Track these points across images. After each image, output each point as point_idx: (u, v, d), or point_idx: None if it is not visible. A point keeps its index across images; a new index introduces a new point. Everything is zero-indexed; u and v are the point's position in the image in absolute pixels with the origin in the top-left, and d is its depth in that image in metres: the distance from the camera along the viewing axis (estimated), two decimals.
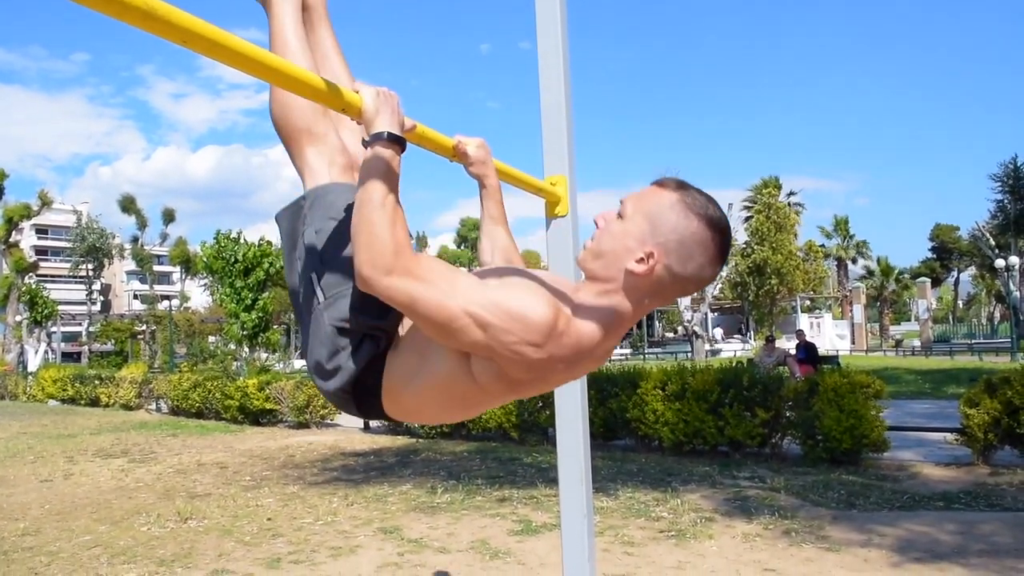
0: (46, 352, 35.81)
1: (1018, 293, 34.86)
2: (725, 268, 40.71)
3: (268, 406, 14.12)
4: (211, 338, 36.48)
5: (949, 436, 8.52)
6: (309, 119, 1.74)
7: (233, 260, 18.50)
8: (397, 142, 1.42)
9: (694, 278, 1.38)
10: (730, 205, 41.43)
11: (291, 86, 1.32)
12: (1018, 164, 36.64)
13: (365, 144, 1.43)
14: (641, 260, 1.34)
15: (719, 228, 1.36)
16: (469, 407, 1.53)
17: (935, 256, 62.23)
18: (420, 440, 11.32)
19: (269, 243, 19.42)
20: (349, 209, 1.55)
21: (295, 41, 1.83)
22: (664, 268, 1.35)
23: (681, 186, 1.38)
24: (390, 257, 1.31)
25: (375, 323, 1.54)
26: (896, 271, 54.12)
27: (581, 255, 1.43)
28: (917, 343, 41.74)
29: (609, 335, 1.40)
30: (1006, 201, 37.25)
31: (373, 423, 12.86)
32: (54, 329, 40.83)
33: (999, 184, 37.20)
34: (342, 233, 1.58)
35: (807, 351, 13.42)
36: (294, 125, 1.75)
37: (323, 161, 1.74)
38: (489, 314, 1.29)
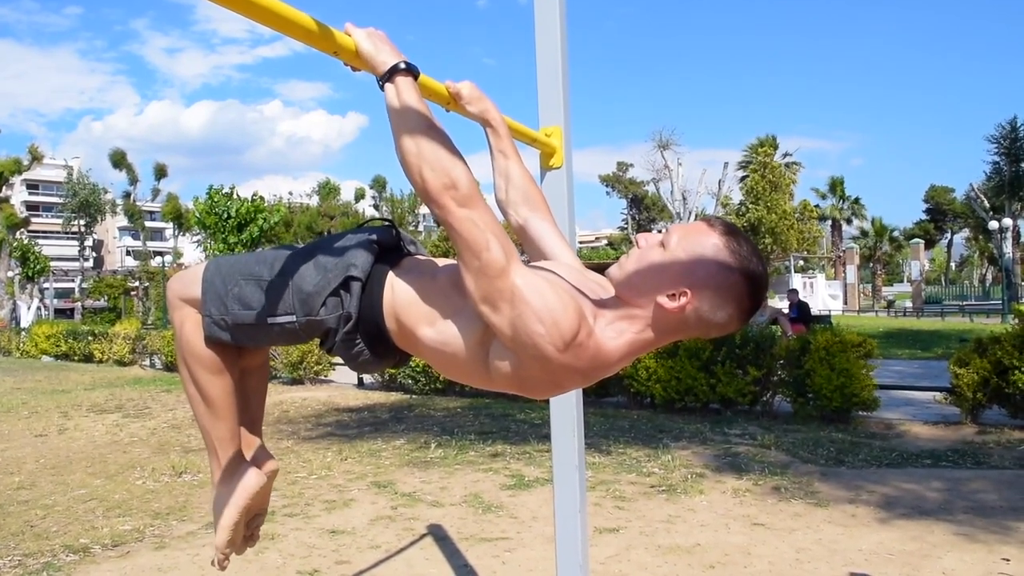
0: (39, 308, 35.74)
1: (1011, 255, 35.00)
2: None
3: None
4: None
5: (938, 395, 8.60)
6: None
7: (226, 216, 18.41)
8: (412, 71, 1.42)
9: (719, 325, 1.36)
10: (726, 164, 41.31)
11: (281, 26, 1.28)
12: (1016, 126, 36.55)
13: (381, 83, 1.40)
14: (673, 296, 1.32)
15: (757, 284, 1.33)
16: (473, 381, 1.50)
17: (929, 218, 62.25)
18: (414, 396, 11.38)
19: (262, 198, 19.35)
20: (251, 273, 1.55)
21: None
22: (694, 310, 1.33)
23: (730, 231, 1.34)
24: (467, 185, 1.31)
25: (350, 273, 1.52)
26: (890, 230, 54.18)
27: (614, 270, 1.40)
28: (909, 304, 41.95)
29: (625, 357, 1.39)
30: (1002, 163, 37.23)
31: (366, 379, 12.92)
32: (46, 285, 40.73)
33: (996, 146, 37.17)
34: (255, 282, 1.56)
35: (800, 310, 13.45)
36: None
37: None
38: (530, 295, 1.27)
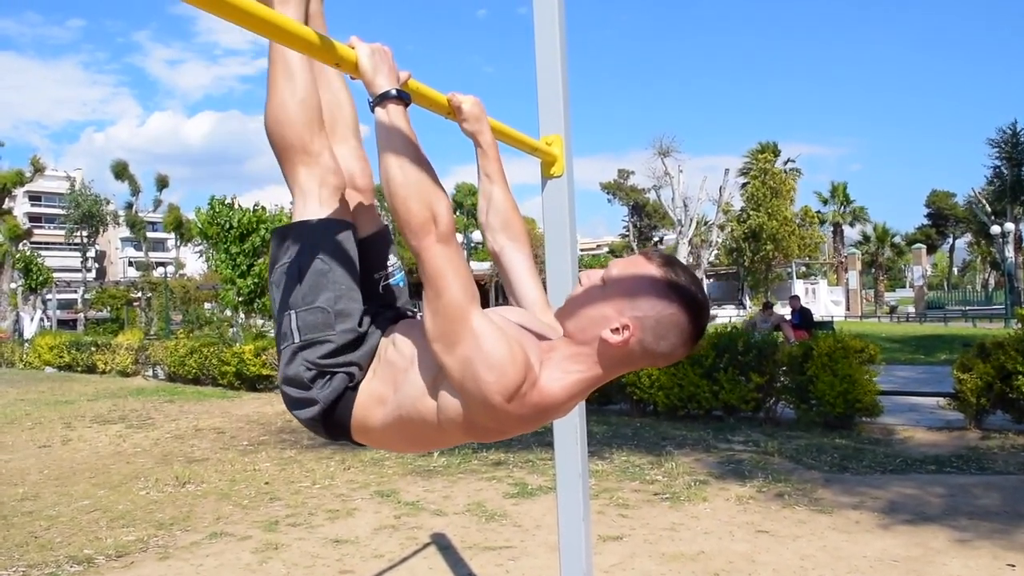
0: (42, 319, 35.77)
1: (1013, 260, 34.96)
2: (721, 234, 40.78)
3: (264, 372, 14.14)
4: (207, 304, 36.44)
5: (942, 401, 8.58)
6: (304, 137, 1.69)
7: (228, 226, 18.39)
8: (403, 99, 1.43)
9: (664, 355, 1.39)
10: (726, 171, 41.30)
11: (284, 39, 1.30)
12: (1016, 130, 36.54)
13: (371, 105, 1.42)
14: (616, 331, 1.35)
15: (698, 312, 1.37)
16: (428, 445, 1.56)
17: (931, 223, 62.21)
18: None
19: (263, 208, 19.32)
20: (334, 252, 1.58)
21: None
22: (638, 342, 1.36)
23: (668, 262, 1.38)
24: (447, 223, 1.33)
25: (350, 360, 1.55)
26: (892, 235, 54.12)
27: (559, 309, 1.45)
28: (912, 309, 41.89)
29: (572, 398, 1.42)
30: (1003, 167, 37.20)
31: None
32: (49, 296, 40.79)
33: (997, 150, 37.15)
34: (324, 275, 1.58)
35: (802, 316, 13.44)
36: (288, 141, 1.70)
37: (314, 183, 1.69)
38: (483, 342, 1.29)
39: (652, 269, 1.37)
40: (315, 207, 1.68)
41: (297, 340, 1.56)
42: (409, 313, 1.76)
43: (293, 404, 1.59)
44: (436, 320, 1.33)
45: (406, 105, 1.44)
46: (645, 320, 1.34)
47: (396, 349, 1.54)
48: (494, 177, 1.83)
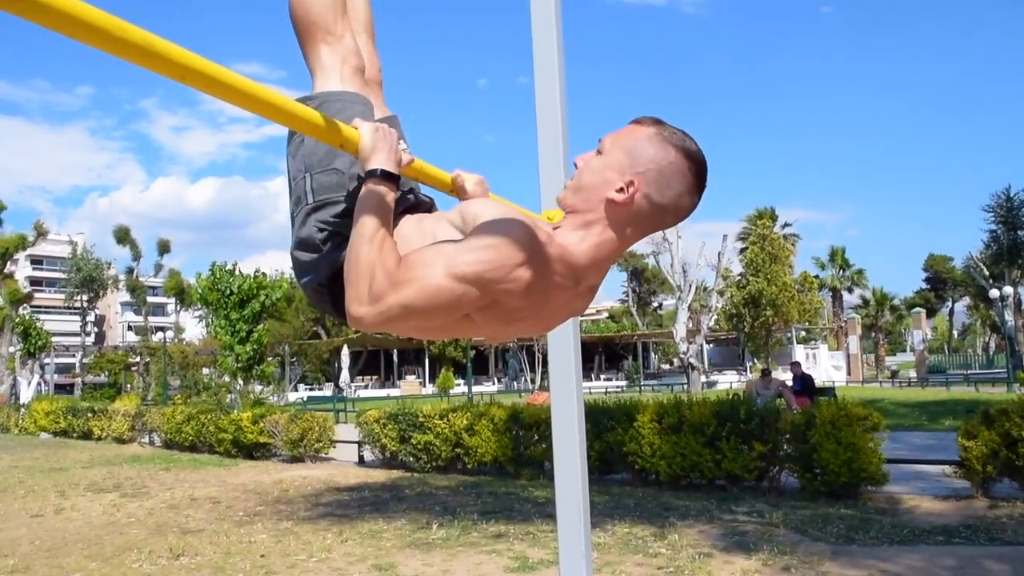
0: (39, 384, 35.59)
1: (1013, 323, 34.97)
2: (721, 300, 40.85)
3: (262, 439, 14.00)
4: (205, 370, 36.31)
5: (948, 469, 8.47)
6: (328, 17, 1.75)
7: (228, 292, 18.45)
8: (391, 179, 1.43)
9: (672, 207, 1.41)
10: (725, 237, 41.60)
11: (289, 122, 1.32)
12: (1011, 195, 36.97)
13: (360, 180, 1.43)
14: (621, 189, 1.38)
15: (696, 159, 1.41)
16: (453, 333, 1.49)
17: (929, 286, 62.46)
18: (414, 474, 11.23)
19: (264, 275, 19.42)
20: (351, 120, 1.55)
21: None
22: (643, 197, 1.38)
23: (658, 122, 1.43)
24: (378, 283, 1.30)
25: None
26: (891, 298, 54.26)
27: (561, 193, 1.47)
28: (913, 373, 41.72)
29: (593, 263, 1.41)
30: (999, 231, 37.54)
31: (367, 456, 12.77)
32: (47, 360, 40.66)
33: (992, 214, 37.54)
34: None
35: (803, 383, 13.37)
36: (312, 20, 1.76)
37: (336, 60, 1.75)
38: (477, 263, 1.27)
39: (644, 129, 1.41)
40: (336, 82, 1.73)
41: (311, 201, 1.59)
42: (426, 200, 1.77)
43: (302, 270, 1.60)
44: (446, 314, 1.33)
45: (393, 186, 1.43)
46: (647, 173, 1.38)
47: (416, 226, 1.53)
48: None
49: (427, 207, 1.76)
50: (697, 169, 1.41)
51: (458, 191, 1.79)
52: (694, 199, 1.43)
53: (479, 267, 1.27)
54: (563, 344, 2.36)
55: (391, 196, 1.42)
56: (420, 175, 1.63)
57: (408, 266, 1.31)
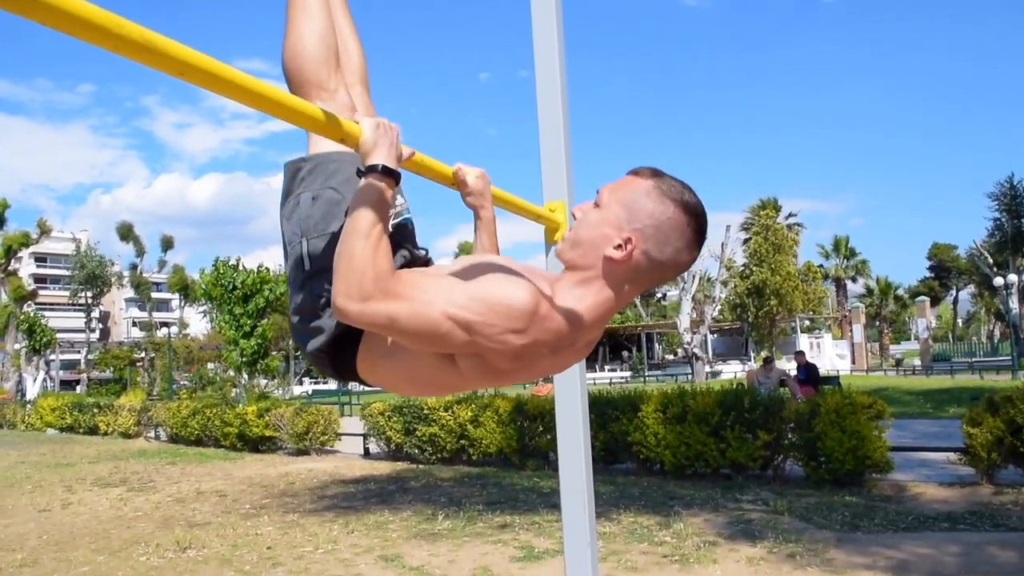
0: (44, 380, 35.71)
1: (1017, 311, 34.90)
2: (724, 290, 40.79)
3: (267, 433, 14.05)
4: (210, 365, 36.40)
5: (952, 456, 8.48)
6: (321, 73, 1.73)
7: (232, 287, 18.51)
8: (391, 175, 1.41)
9: (671, 263, 1.40)
10: (728, 227, 41.57)
11: (290, 117, 1.32)
12: (1015, 183, 36.88)
13: (359, 174, 1.43)
14: (619, 246, 1.36)
15: (695, 213, 1.39)
16: (444, 389, 1.53)
17: (933, 275, 62.33)
18: (420, 466, 11.26)
19: (268, 270, 19.46)
20: (347, 183, 1.56)
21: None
22: (642, 253, 1.37)
23: (656, 173, 1.40)
24: (368, 284, 1.30)
25: None
26: (895, 287, 54.16)
27: (559, 246, 1.45)
28: (917, 362, 41.68)
29: (592, 324, 1.41)
30: (1003, 219, 37.48)
31: (372, 448, 12.81)
32: (53, 357, 40.78)
33: (996, 203, 37.47)
34: (337, 204, 1.59)
35: (808, 372, 13.37)
36: (305, 76, 1.74)
37: None
38: (470, 312, 1.28)
39: (642, 182, 1.39)
40: (329, 142, 1.67)
41: (308, 267, 1.57)
42: (421, 254, 1.76)
43: (301, 335, 1.59)
44: (419, 347, 1.34)
45: (393, 182, 1.42)
46: (645, 229, 1.35)
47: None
48: (490, 250, 1.85)
49: (423, 262, 1.74)
50: (696, 223, 1.39)
51: (459, 185, 1.79)
52: (693, 254, 1.41)
53: (471, 316, 1.28)
54: None
55: (390, 193, 1.41)
56: (421, 169, 1.63)
57: (403, 283, 1.32)
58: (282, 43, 1.78)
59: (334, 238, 1.54)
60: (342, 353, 1.56)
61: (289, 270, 1.64)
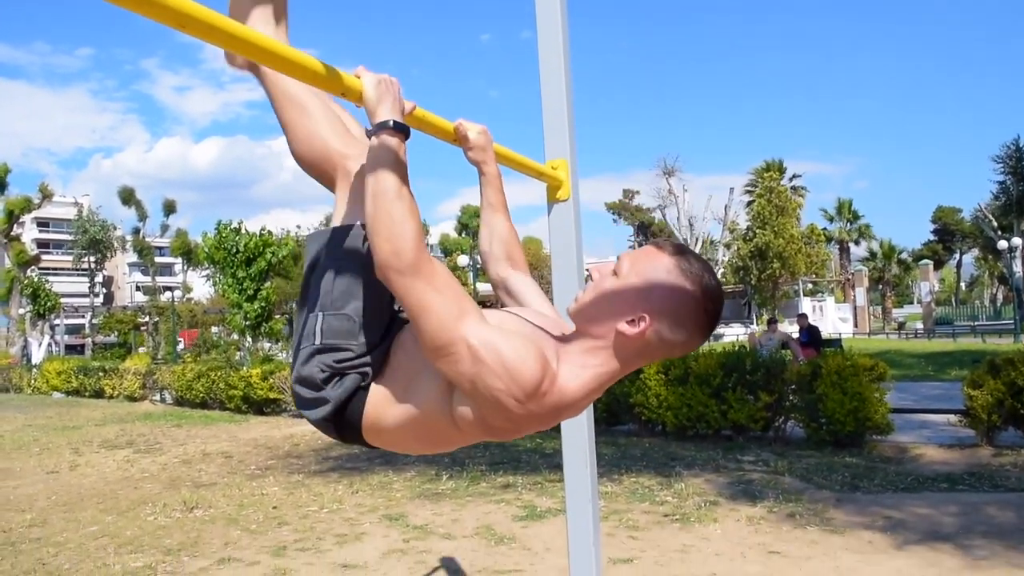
0: (49, 345, 35.87)
1: (1021, 274, 34.81)
2: (727, 253, 40.74)
3: (272, 395, 14.14)
4: (214, 328, 36.52)
5: (952, 418, 8.52)
6: (337, 146, 1.70)
7: (234, 250, 18.48)
8: (402, 131, 1.42)
9: (681, 344, 1.38)
10: (731, 190, 41.39)
11: (289, 69, 1.31)
12: (1021, 145, 36.57)
13: (369, 133, 1.42)
14: (632, 322, 1.34)
15: (712, 297, 1.36)
16: (443, 444, 1.54)
17: (937, 238, 62.08)
18: None
19: (270, 233, 19.41)
20: (369, 263, 1.53)
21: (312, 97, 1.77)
22: (654, 332, 1.35)
23: (679, 251, 1.38)
24: (412, 254, 1.31)
25: (365, 361, 1.53)
26: (898, 251, 54.00)
27: (572, 307, 1.43)
28: (919, 325, 41.71)
29: (590, 393, 1.40)
30: (1008, 182, 37.25)
31: None
32: (57, 322, 40.91)
33: (1002, 165, 37.19)
34: (356, 283, 1.57)
35: (810, 334, 13.40)
36: (326, 157, 1.71)
37: (349, 196, 1.69)
38: (485, 354, 1.28)
39: (664, 259, 1.36)
40: (353, 211, 1.66)
41: (318, 343, 1.56)
42: None
43: (304, 404, 1.58)
44: (427, 346, 1.33)
45: (404, 137, 1.43)
46: (661, 310, 1.33)
47: (408, 351, 1.52)
48: (497, 207, 1.84)
49: None
50: (713, 308, 1.37)
51: (461, 140, 1.78)
52: (704, 338, 1.40)
53: (484, 356, 1.28)
54: (569, 296, 2.37)
55: (403, 149, 1.41)
56: (422, 124, 1.62)
57: (446, 282, 1.34)
58: (290, 145, 1.74)
59: (348, 320, 1.55)
60: (346, 420, 1.56)
61: (299, 334, 1.62)
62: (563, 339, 1.44)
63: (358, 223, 1.60)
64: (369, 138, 1.42)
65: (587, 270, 1.45)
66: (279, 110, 1.74)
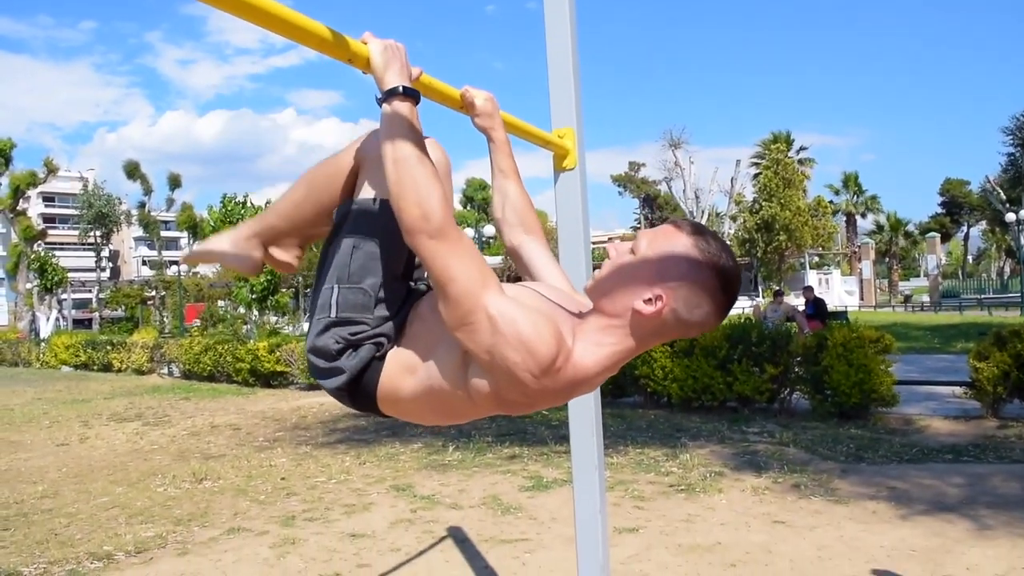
0: (57, 319, 36.06)
1: None
2: (733, 225, 40.60)
3: (279, 368, 14.22)
4: (220, 302, 36.63)
5: (958, 390, 8.53)
6: (335, 181, 1.71)
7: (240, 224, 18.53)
8: (412, 96, 1.42)
9: (698, 324, 1.37)
10: (738, 161, 41.17)
11: (297, 36, 1.30)
12: None
13: (379, 101, 1.42)
14: (649, 301, 1.33)
15: (730, 277, 1.35)
16: (457, 416, 1.54)
17: (944, 211, 61.74)
18: None
19: None
20: (390, 239, 1.52)
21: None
22: (671, 312, 1.34)
23: (697, 230, 1.36)
24: (441, 216, 1.31)
25: (380, 331, 1.54)
26: (905, 224, 53.76)
27: (589, 284, 1.43)
28: (926, 298, 41.62)
29: (606, 370, 1.40)
30: (1017, 155, 36.87)
31: None
32: (64, 296, 41.05)
33: (1010, 137, 36.81)
34: (374, 258, 1.57)
35: (816, 307, 13.39)
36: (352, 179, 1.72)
37: (363, 174, 1.68)
38: (504, 325, 1.28)
39: (682, 238, 1.35)
40: (377, 185, 1.64)
41: (333, 315, 1.56)
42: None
43: (319, 373, 1.59)
44: (449, 313, 1.33)
45: (415, 102, 1.43)
46: (678, 290, 1.33)
47: (426, 321, 1.53)
48: (508, 172, 1.82)
49: None
50: (730, 289, 1.35)
51: (468, 107, 1.77)
52: (721, 318, 1.39)
53: (503, 328, 1.28)
54: (575, 268, 2.36)
55: (415, 114, 1.41)
56: (429, 91, 1.61)
57: (470, 250, 1.34)
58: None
59: (363, 293, 1.55)
60: (361, 389, 1.56)
61: (314, 305, 1.62)
62: (579, 316, 1.44)
63: (376, 197, 1.60)
64: (379, 105, 1.42)
65: (605, 250, 1.43)
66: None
